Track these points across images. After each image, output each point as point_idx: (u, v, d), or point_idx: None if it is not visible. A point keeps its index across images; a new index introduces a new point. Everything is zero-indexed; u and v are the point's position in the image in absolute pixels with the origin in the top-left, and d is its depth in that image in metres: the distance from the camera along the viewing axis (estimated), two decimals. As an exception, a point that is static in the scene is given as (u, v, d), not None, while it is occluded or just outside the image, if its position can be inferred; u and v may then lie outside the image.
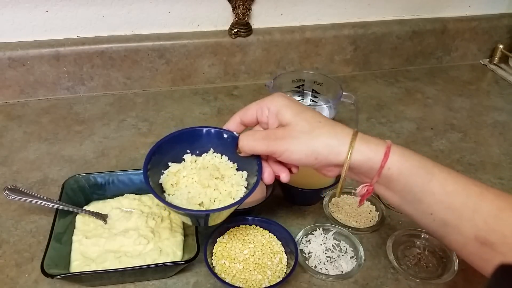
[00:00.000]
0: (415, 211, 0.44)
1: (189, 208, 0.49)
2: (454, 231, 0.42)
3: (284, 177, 0.49)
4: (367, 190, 0.45)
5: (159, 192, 0.50)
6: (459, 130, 0.89)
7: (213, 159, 0.53)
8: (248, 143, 0.47)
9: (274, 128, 0.47)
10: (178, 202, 0.49)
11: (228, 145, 0.52)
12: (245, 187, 0.51)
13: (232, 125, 0.51)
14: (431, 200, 0.42)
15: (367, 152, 0.43)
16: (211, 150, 0.53)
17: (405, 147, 0.46)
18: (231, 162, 0.53)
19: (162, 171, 0.52)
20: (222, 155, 0.53)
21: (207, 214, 0.48)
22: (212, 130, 0.53)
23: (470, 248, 0.41)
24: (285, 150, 0.44)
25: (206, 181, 0.50)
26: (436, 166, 0.43)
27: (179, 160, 0.53)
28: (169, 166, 0.53)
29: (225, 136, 0.52)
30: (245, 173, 0.52)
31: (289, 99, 0.47)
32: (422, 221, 0.44)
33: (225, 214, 0.49)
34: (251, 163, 0.50)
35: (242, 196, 0.50)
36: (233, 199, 0.50)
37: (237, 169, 0.53)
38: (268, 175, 0.48)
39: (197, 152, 0.53)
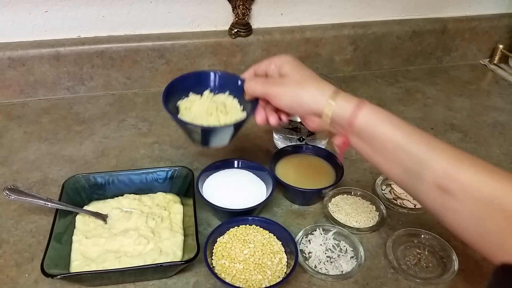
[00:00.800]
0: (383, 159, 0.48)
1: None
2: (417, 178, 0.46)
3: (272, 120, 0.57)
4: (343, 142, 0.51)
5: (173, 111, 0.59)
6: (459, 130, 0.89)
7: (226, 99, 0.62)
8: (251, 85, 0.56)
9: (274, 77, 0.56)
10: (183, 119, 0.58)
11: (241, 91, 0.59)
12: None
13: (248, 74, 0.60)
14: (396, 149, 0.47)
15: (342, 103, 0.49)
16: (227, 92, 0.62)
17: None
18: (240, 105, 0.61)
19: (184, 97, 0.61)
20: (234, 98, 0.62)
21: (202, 129, 0.57)
22: (230, 75, 0.62)
23: (432, 195, 0.45)
24: (276, 94, 0.53)
25: (211, 110, 0.59)
26: (403, 122, 0.48)
27: (200, 93, 0.62)
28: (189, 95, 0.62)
29: (239, 82, 0.60)
30: (245, 113, 0.60)
31: (293, 59, 0.55)
32: (390, 170, 0.48)
33: (220, 135, 0.58)
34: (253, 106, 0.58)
35: (235, 120, 0.58)
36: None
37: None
38: (259, 116, 0.57)
39: (216, 91, 0.62)
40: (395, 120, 0.48)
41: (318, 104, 0.50)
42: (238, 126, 0.57)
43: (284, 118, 0.58)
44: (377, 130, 0.48)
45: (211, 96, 0.62)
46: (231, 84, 0.61)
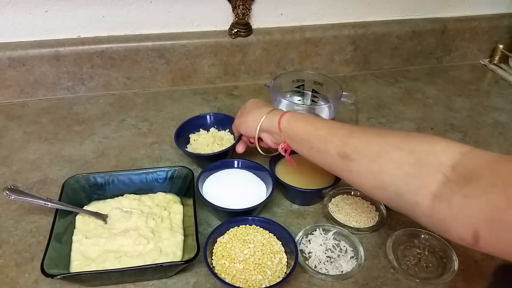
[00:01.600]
0: (306, 150, 0.59)
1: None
2: (325, 155, 0.55)
3: (251, 143, 0.71)
4: (283, 147, 0.62)
5: (185, 142, 0.78)
6: (459, 130, 0.89)
7: (225, 135, 0.79)
8: (233, 124, 0.72)
9: None
10: (188, 149, 0.76)
11: None
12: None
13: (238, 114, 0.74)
14: (309, 137, 0.58)
15: (272, 117, 0.63)
16: (227, 129, 0.79)
17: None
18: (233, 139, 0.77)
19: (195, 131, 0.80)
20: (232, 134, 0.78)
21: (197, 156, 0.74)
22: (229, 117, 0.79)
23: (338, 164, 0.54)
24: (238, 124, 0.69)
25: (208, 143, 0.77)
26: (313, 117, 0.61)
27: (208, 129, 0.81)
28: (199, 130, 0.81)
29: None
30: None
31: (256, 100, 0.71)
32: (313, 156, 0.58)
33: (210, 160, 0.72)
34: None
35: (220, 149, 0.75)
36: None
37: None
38: (238, 147, 0.72)
39: (220, 128, 0.81)
40: (306, 117, 0.61)
41: (258, 123, 0.64)
42: (221, 154, 0.72)
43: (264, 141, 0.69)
44: (295, 127, 0.60)
45: (216, 132, 0.80)
46: (229, 123, 0.76)
